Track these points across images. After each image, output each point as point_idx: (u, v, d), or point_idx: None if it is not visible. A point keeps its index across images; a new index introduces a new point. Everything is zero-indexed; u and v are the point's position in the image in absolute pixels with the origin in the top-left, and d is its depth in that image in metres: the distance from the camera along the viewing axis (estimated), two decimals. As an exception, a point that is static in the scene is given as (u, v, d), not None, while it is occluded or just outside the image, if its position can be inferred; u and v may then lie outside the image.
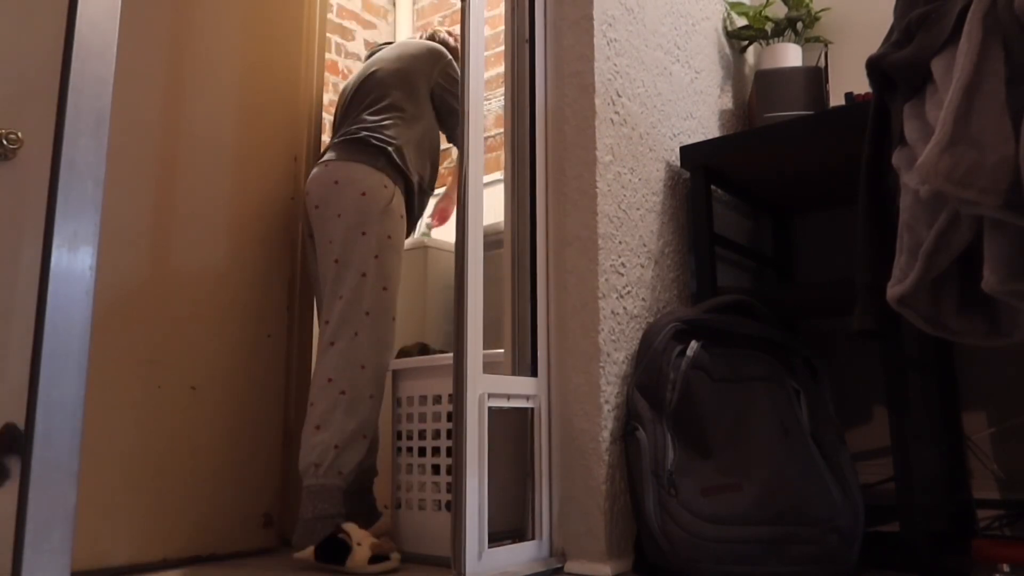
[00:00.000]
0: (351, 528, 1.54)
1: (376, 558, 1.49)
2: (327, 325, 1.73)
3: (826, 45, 2.12)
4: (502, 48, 1.74)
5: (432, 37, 2.19)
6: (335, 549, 1.51)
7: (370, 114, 1.89)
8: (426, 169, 1.95)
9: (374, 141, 1.83)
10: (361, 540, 1.51)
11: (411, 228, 1.97)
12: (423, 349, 1.99)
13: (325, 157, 1.86)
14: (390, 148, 1.83)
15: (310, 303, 2.02)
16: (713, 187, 1.84)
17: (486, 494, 1.38)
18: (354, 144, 1.83)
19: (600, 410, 1.48)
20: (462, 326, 1.39)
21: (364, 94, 1.94)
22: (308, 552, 1.53)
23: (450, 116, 2.00)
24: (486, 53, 2.77)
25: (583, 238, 1.57)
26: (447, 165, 2.66)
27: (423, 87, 1.96)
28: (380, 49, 2.09)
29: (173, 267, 1.71)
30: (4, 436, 0.88)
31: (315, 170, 1.85)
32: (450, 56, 2.03)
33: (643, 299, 1.66)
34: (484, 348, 1.42)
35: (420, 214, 2.00)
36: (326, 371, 1.67)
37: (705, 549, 1.36)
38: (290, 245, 1.98)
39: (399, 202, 1.83)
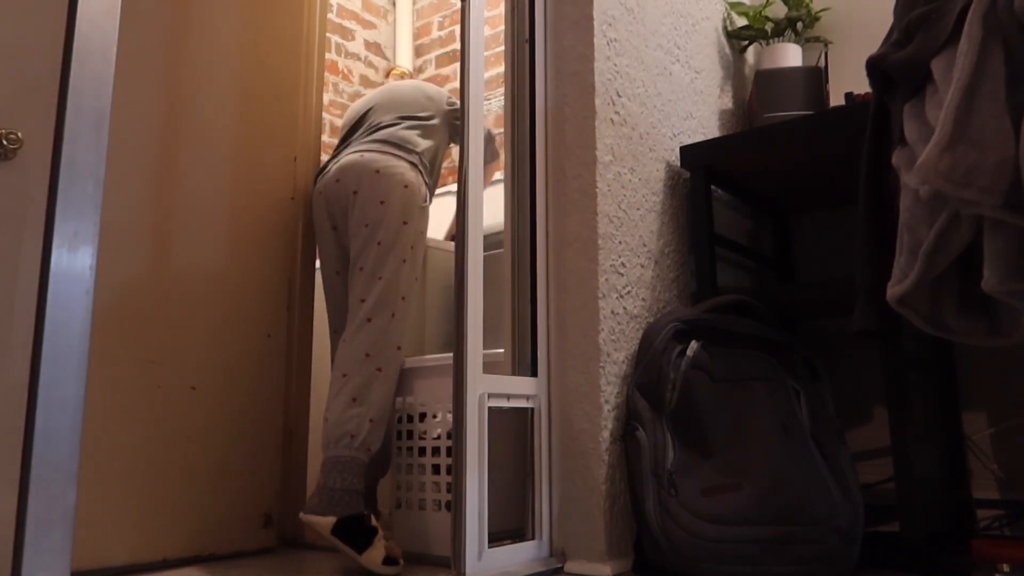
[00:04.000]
0: (377, 523, 1.53)
1: (389, 560, 1.48)
2: (362, 303, 1.73)
3: (826, 45, 2.12)
4: (502, 48, 1.74)
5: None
6: (358, 533, 1.47)
7: (396, 122, 1.96)
8: (432, 180, 2.02)
9: (408, 145, 1.90)
10: (380, 537, 1.50)
11: None
12: None
13: (355, 148, 1.90)
14: (416, 155, 1.90)
15: (310, 303, 2.02)
16: (713, 187, 1.84)
17: (486, 494, 1.38)
18: (389, 143, 1.89)
19: (600, 410, 1.48)
20: (462, 326, 1.39)
21: (388, 108, 2.00)
22: (328, 522, 1.47)
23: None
24: (486, 53, 2.77)
25: (583, 238, 1.57)
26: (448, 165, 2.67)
27: (438, 115, 2.03)
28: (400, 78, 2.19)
29: (173, 267, 1.71)
30: None
31: (347, 158, 1.87)
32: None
33: (643, 299, 1.66)
34: (484, 348, 1.42)
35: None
36: (363, 346, 1.68)
37: (705, 549, 1.36)
38: (290, 245, 1.98)
39: (427, 203, 1.90)
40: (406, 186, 1.80)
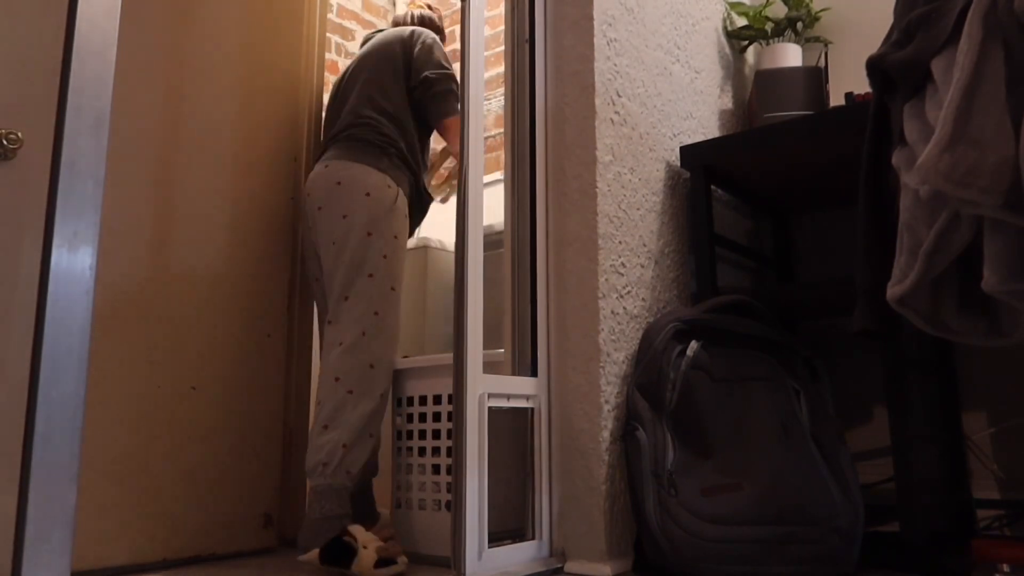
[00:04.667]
0: (357, 530, 1.51)
1: (383, 562, 1.47)
2: (331, 325, 1.73)
3: (826, 45, 2.12)
4: (502, 48, 1.74)
5: (414, 19, 2.14)
6: (340, 551, 1.49)
7: (366, 111, 1.88)
8: (424, 165, 1.96)
9: (376, 141, 1.83)
10: (367, 543, 1.48)
11: (413, 228, 1.97)
12: None
13: (325, 156, 1.86)
14: (392, 149, 1.84)
15: (310, 303, 2.02)
16: (713, 187, 1.84)
17: (486, 494, 1.37)
18: (356, 144, 1.83)
19: (600, 410, 1.48)
20: (462, 326, 1.39)
21: (355, 90, 1.93)
22: (313, 555, 1.50)
23: (426, 93, 1.91)
24: (486, 53, 2.77)
25: (583, 238, 1.57)
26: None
27: (403, 75, 1.93)
28: (372, 37, 2.08)
29: (173, 267, 1.71)
30: None
31: (316, 169, 1.84)
32: (423, 31, 1.98)
33: (643, 299, 1.66)
34: (484, 348, 1.42)
35: (423, 213, 2.00)
36: (333, 370, 1.67)
37: (705, 549, 1.36)
38: (290, 245, 1.98)
39: (403, 202, 1.83)
40: (368, 194, 1.76)
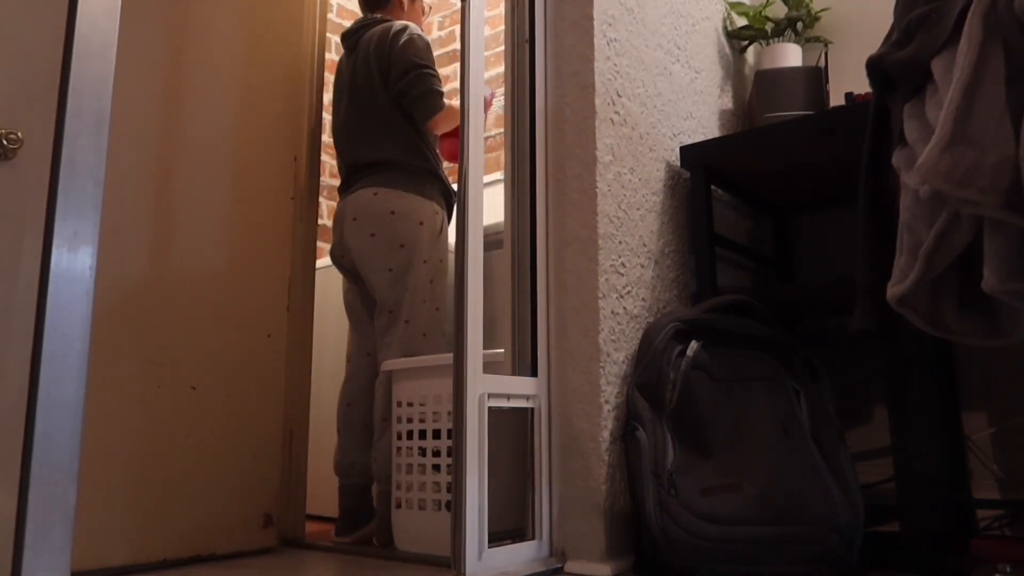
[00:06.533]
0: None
1: None
2: (389, 346, 1.86)
3: (826, 45, 2.12)
4: (502, 48, 1.74)
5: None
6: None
7: (388, 134, 1.94)
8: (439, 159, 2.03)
9: (415, 169, 1.91)
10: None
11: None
12: None
13: (367, 181, 1.91)
14: (431, 175, 1.93)
15: (310, 303, 2.03)
16: (713, 187, 1.84)
17: (486, 494, 1.37)
18: (399, 175, 1.90)
19: (600, 410, 1.48)
20: (462, 326, 1.39)
21: (366, 109, 1.98)
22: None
23: (407, 101, 1.94)
24: (486, 53, 2.77)
25: (583, 238, 1.57)
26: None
27: (389, 93, 1.96)
28: (359, 35, 2.07)
29: (173, 267, 1.71)
30: None
31: (361, 195, 1.91)
32: (397, 31, 1.97)
33: (643, 299, 1.66)
34: (484, 348, 1.42)
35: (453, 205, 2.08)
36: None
37: (705, 549, 1.36)
38: (290, 245, 1.98)
39: (446, 225, 1.95)
40: (422, 223, 1.86)
